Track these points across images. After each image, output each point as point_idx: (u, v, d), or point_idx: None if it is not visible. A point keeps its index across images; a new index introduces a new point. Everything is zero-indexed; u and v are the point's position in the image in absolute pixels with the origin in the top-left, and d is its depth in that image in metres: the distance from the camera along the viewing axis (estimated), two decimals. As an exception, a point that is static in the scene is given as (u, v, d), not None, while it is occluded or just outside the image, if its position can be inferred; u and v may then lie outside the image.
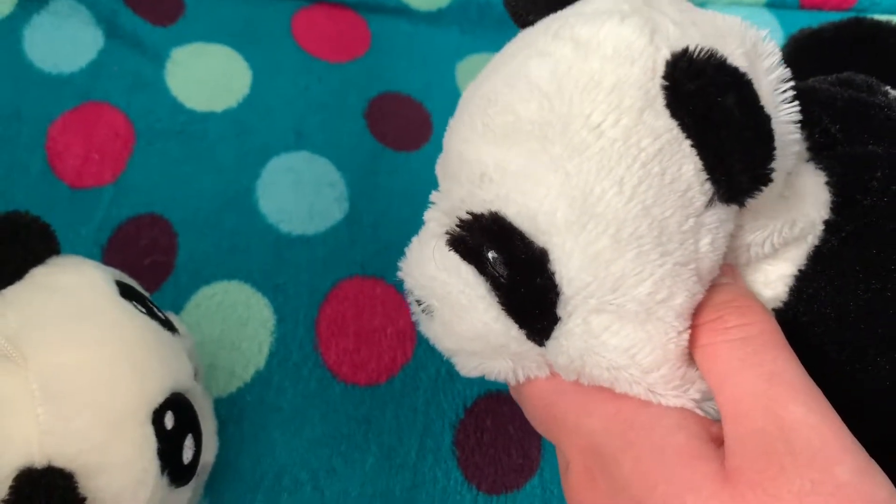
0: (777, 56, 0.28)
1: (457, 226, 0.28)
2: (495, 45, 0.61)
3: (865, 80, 0.36)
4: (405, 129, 0.54)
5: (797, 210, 0.29)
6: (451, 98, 0.56)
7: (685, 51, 0.25)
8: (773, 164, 0.25)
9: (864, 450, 0.25)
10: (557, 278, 0.26)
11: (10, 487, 0.28)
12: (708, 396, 0.28)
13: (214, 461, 0.38)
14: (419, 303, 0.30)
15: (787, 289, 0.30)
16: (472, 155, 0.28)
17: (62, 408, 0.29)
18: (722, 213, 0.27)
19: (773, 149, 0.25)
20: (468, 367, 0.31)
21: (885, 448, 0.29)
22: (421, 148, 0.53)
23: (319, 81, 0.55)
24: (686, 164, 0.26)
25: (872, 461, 0.25)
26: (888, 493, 0.24)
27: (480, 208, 0.27)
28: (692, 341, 0.28)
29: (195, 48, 0.55)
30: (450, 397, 0.43)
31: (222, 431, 0.39)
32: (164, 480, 0.32)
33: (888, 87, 0.36)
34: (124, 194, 0.48)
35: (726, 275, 0.29)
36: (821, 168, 0.30)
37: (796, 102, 0.28)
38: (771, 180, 0.25)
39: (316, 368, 0.43)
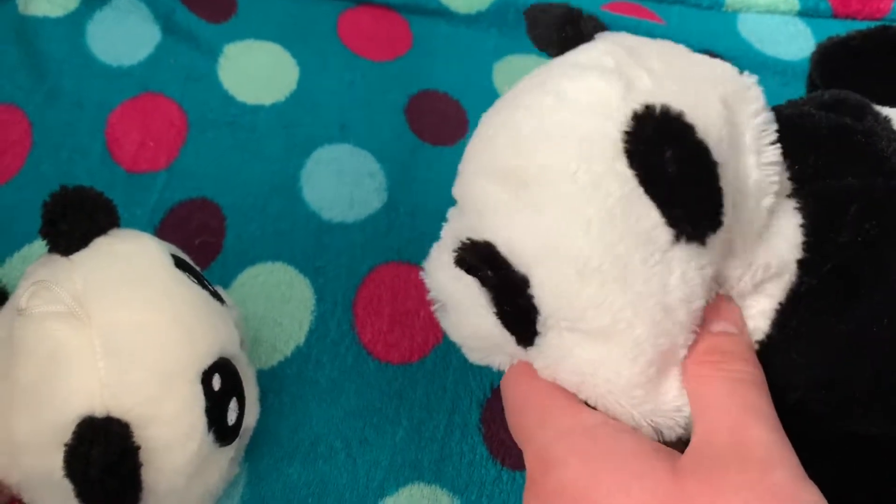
0: (760, 102, 0.31)
1: (459, 248, 0.32)
2: (532, 46, 0.63)
3: (857, 101, 0.38)
4: (442, 125, 0.56)
5: (772, 252, 0.31)
6: (487, 96, 0.58)
7: (644, 109, 0.28)
8: (724, 210, 0.28)
9: (803, 469, 0.28)
10: (536, 301, 0.30)
11: (73, 434, 0.31)
12: (658, 414, 0.31)
13: (255, 427, 0.40)
14: (436, 301, 0.35)
15: (769, 322, 0.33)
16: (473, 188, 0.32)
17: (121, 363, 0.32)
18: (692, 250, 0.29)
19: (713, 199, 0.28)
20: (473, 357, 0.36)
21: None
22: (456, 143, 0.55)
23: (363, 78, 0.58)
24: (652, 207, 0.28)
25: (808, 479, 0.28)
26: (816, 498, 0.27)
27: (478, 236, 0.31)
28: (691, 369, 0.31)
29: (246, 45, 0.58)
30: (478, 378, 0.45)
31: (263, 400, 0.41)
32: (210, 437, 0.34)
33: (880, 108, 0.38)
34: (177, 179, 0.51)
35: (736, 325, 0.32)
36: (798, 208, 0.32)
37: (778, 145, 0.31)
38: (719, 225, 0.28)
39: (352, 346, 0.46)
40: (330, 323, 0.46)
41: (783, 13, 0.65)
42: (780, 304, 0.32)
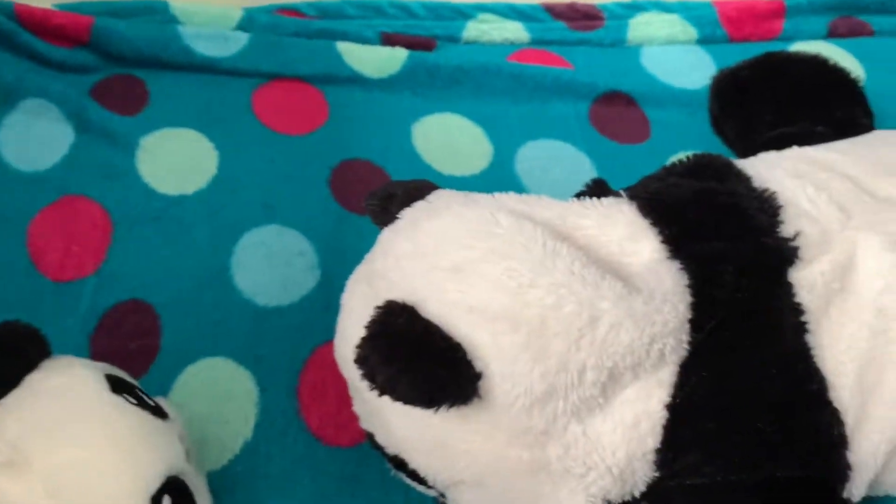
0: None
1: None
2: (447, 104, 0.65)
3: (721, 163, 0.41)
4: (367, 193, 0.57)
5: (667, 312, 0.34)
6: (409, 159, 0.60)
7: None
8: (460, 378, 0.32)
9: None
10: (420, 473, 0.38)
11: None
12: None
13: (212, 533, 0.40)
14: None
15: (675, 380, 0.35)
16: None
17: (67, 504, 0.32)
18: (475, 406, 0.33)
19: (436, 379, 0.32)
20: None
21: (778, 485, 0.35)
22: (384, 211, 0.56)
23: (283, 155, 0.58)
24: None
25: None
26: None
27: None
28: None
29: (162, 134, 0.58)
30: (429, 449, 0.46)
31: (218, 502, 0.41)
32: (167, 559, 0.34)
33: (742, 167, 0.40)
34: (106, 283, 0.50)
35: None
36: (682, 269, 0.35)
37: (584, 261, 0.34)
38: (459, 394, 0.32)
39: (300, 434, 0.46)
40: (275, 413, 0.46)
41: (683, 43, 0.68)
42: (680, 366, 0.34)
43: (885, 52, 0.68)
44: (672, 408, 0.34)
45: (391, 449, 0.37)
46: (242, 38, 0.63)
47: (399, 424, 0.35)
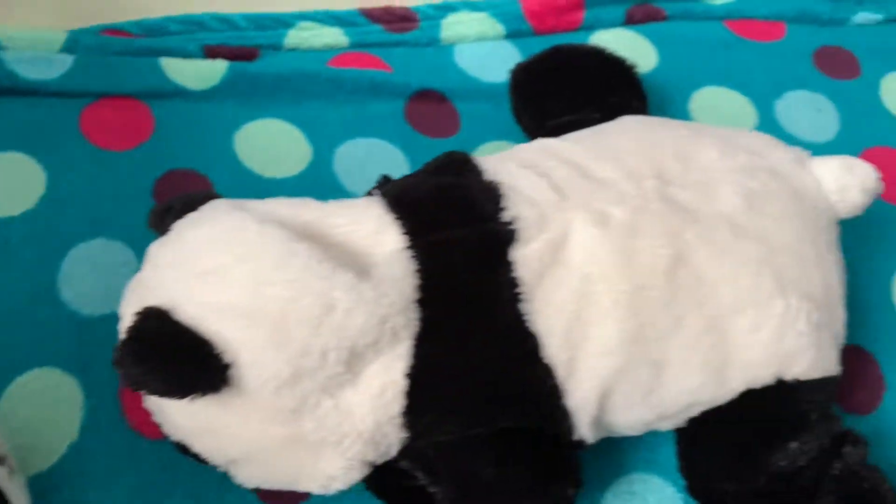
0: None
1: None
2: (268, 111, 0.69)
3: (461, 160, 0.46)
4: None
5: (394, 295, 0.39)
6: (231, 166, 0.63)
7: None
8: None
9: None
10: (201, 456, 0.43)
11: None
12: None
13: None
14: None
15: (407, 363, 0.40)
16: None
17: None
18: (231, 392, 0.38)
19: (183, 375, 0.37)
20: None
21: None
22: (206, 217, 0.59)
23: (110, 171, 0.61)
24: None
25: None
26: None
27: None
28: None
29: (-11, 159, 0.60)
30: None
31: (45, 501, 0.45)
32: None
33: (478, 163, 0.45)
34: (-65, 305, 0.53)
35: None
36: (414, 257, 0.40)
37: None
38: (202, 384, 0.37)
39: (124, 432, 0.50)
40: (100, 414, 0.50)
41: (492, 39, 0.73)
42: (416, 338, 0.39)
43: (676, 34, 0.74)
44: (412, 376, 0.39)
45: (174, 437, 0.41)
46: (68, 60, 0.65)
47: (173, 414, 0.40)
